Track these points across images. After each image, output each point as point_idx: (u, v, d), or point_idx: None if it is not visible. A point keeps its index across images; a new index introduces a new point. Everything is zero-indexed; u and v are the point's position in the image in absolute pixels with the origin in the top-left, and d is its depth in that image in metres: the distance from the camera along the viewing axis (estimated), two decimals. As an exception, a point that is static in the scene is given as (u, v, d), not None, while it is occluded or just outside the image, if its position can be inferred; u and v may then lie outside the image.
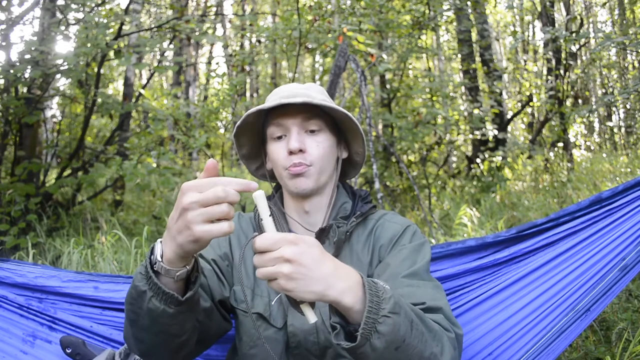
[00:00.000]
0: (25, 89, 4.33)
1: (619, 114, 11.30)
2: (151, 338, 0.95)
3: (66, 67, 4.09)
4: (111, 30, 4.45)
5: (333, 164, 1.18)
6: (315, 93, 1.15)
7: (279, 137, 1.14)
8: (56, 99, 6.64)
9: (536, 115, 9.80)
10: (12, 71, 3.94)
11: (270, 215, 0.79)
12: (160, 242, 0.87)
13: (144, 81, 9.27)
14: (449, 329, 0.94)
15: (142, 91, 5.91)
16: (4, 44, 4.15)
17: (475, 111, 6.88)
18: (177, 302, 0.88)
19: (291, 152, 1.10)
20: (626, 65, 9.47)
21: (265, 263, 0.76)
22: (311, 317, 0.80)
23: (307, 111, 1.12)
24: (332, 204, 1.18)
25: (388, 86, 7.54)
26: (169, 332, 0.93)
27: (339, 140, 1.21)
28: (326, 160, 1.14)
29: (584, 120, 8.32)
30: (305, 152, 1.11)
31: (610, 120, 11.71)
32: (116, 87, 11.78)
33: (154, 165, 4.56)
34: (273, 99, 1.14)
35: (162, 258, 0.85)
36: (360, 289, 0.81)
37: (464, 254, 1.42)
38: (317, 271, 0.77)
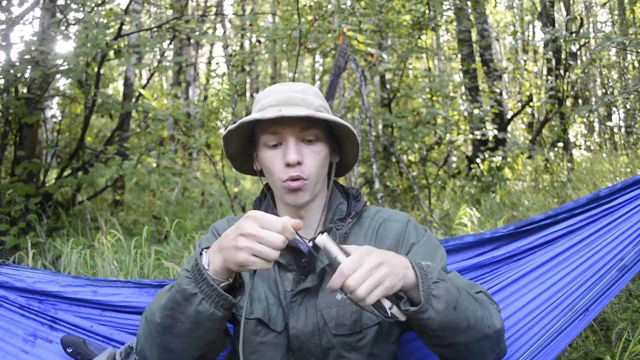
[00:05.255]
0: (25, 89, 4.32)
1: (619, 114, 11.29)
2: (184, 347, 0.97)
3: (66, 67, 4.09)
4: (111, 30, 4.44)
5: (326, 170, 1.17)
6: (312, 98, 1.12)
7: (274, 145, 1.10)
8: (56, 99, 6.63)
9: (536, 115, 9.78)
10: (12, 71, 3.93)
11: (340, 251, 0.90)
12: (206, 251, 0.94)
13: (144, 81, 9.26)
14: (493, 302, 1.06)
15: (142, 91, 5.90)
16: (4, 44, 4.15)
17: (475, 111, 6.87)
18: (229, 304, 0.93)
19: (289, 164, 1.07)
20: (626, 65, 9.46)
21: (364, 276, 0.85)
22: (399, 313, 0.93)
23: (305, 120, 1.08)
24: (328, 206, 1.18)
25: (388, 86, 7.54)
26: (206, 339, 0.97)
27: (332, 145, 1.19)
28: (321, 171, 1.12)
29: (584, 120, 8.32)
30: (302, 164, 1.08)
31: (610, 120, 11.69)
32: (116, 87, 11.77)
33: (154, 165, 4.55)
34: (266, 102, 1.10)
35: (208, 267, 0.93)
36: (411, 269, 0.94)
37: (462, 250, 1.43)
38: (397, 258, 0.92)
